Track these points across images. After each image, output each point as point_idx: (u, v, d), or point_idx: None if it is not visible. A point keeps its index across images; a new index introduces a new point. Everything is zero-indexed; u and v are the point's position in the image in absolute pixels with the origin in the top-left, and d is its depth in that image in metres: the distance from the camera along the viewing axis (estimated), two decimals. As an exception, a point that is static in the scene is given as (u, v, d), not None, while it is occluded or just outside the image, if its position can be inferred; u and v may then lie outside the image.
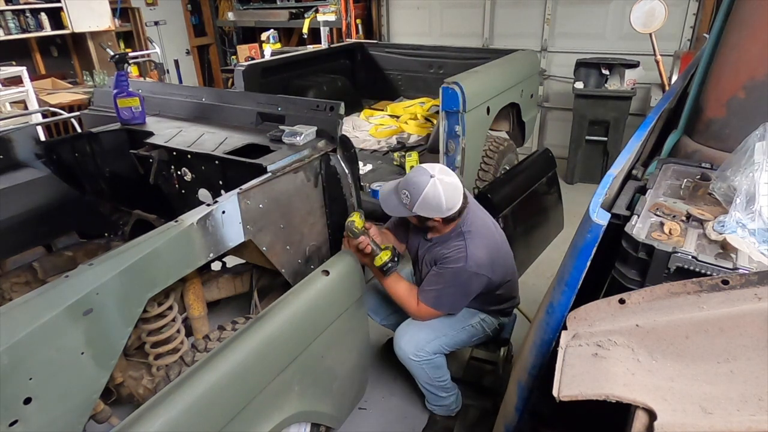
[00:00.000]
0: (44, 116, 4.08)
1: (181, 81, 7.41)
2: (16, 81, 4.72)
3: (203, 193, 1.93)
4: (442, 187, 1.80)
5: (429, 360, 2.07)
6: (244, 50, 6.92)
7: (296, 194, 1.79)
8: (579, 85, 4.58)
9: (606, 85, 4.53)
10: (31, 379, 1.05)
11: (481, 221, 2.02)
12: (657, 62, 3.68)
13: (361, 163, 3.18)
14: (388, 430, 2.36)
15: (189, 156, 1.89)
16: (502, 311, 2.24)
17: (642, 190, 1.60)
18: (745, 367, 0.93)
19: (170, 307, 1.66)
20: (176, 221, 1.37)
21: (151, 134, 2.09)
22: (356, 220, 1.89)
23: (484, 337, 2.24)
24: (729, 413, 0.86)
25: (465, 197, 1.90)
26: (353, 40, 5.29)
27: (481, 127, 3.38)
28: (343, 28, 5.92)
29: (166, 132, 2.09)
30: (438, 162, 3.23)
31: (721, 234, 1.30)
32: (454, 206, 1.85)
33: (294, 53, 4.49)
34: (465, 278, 1.90)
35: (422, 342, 2.05)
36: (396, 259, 1.96)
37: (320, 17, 6.04)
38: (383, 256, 1.92)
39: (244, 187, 1.57)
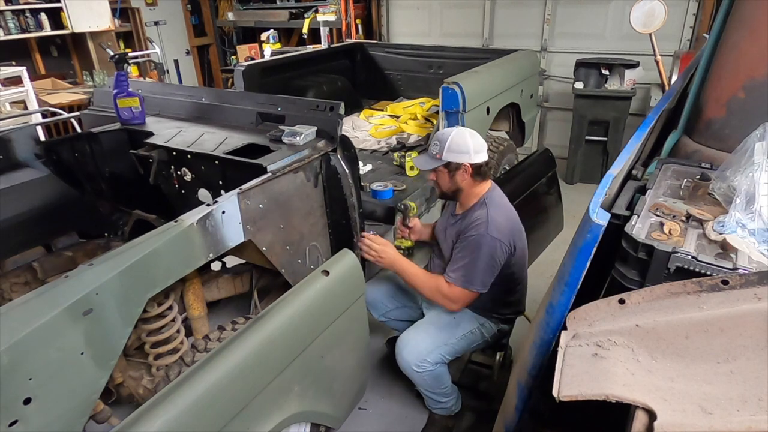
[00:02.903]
0: (44, 116, 4.08)
1: (181, 81, 7.41)
2: (16, 81, 4.72)
3: (203, 193, 1.93)
4: (467, 133, 1.93)
5: (431, 370, 2.07)
6: (244, 50, 6.92)
7: (296, 194, 1.79)
8: (579, 85, 4.58)
9: (606, 85, 4.54)
10: (31, 379, 1.05)
11: (504, 200, 2.08)
12: (657, 62, 3.68)
13: (361, 163, 3.18)
14: (388, 431, 2.36)
15: (189, 156, 1.89)
16: (505, 318, 2.24)
17: (642, 190, 1.60)
18: (745, 367, 0.93)
19: (170, 307, 1.66)
20: (176, 221, 1.37)
21: (151, 134, 2.09)
22: (413, 205, 2.12)
23: (483, 343, 2.24)
24: (729, 413, 0.86)
25: (490, 157, 1.98)
26: (353, 40, 5.29)
27: (481, 127, 3.37)
28: (343, 28, 5.92)
29: (166, 132, 2.09)
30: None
31: (720, 234, 1.30)
32: (481, 151, 1.93)
33: (294, 53, 4.49)
34: (488, 246, 1.89)
35: (424, 353, 2.05)
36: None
37: (320, 17, 6.04)
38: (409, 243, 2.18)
39: (244, 187, 1.56)
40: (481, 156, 1.94)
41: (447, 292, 1.98)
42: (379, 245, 2.02)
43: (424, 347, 2.05)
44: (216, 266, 2.21)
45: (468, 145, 1.91)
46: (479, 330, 2.16)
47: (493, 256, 1.92)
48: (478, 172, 1.97)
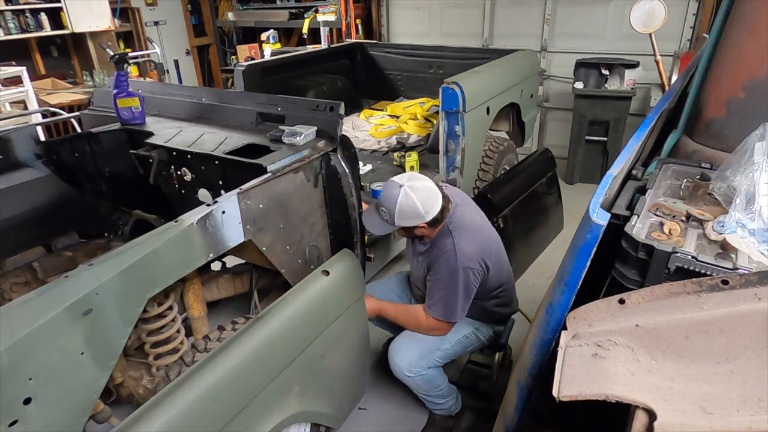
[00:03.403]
0: (44, 116, 4.08)
1: (180, 81, 7.41)
2: (16, 81, 4.72)
3: (203, 193, 1.92)
4: (414, 194, 1.83)
5: (423, 375, 2.07)
6: (243, 50, 6.92)
7: (296, 194, 1.79)
8: (579, 85, 4.58)
9: (606, 85, 4.54)
10: (31, 379, 1.05)
11: (469, 217, 2.03)
12: (657, 62, 3.68)
13: (361, 163, 3.18)
14: (388, 431, 2.36)
15: (189, 156, 1.89)
16: (498, 319, 2.24)
17: (642, 190, 1.60)
18: (745, 367, 0.93)
19: (170, 307, 1.66)
20: (176, 221, 1.37)
21: (151, 134, 2.09)
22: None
23: (480, 345, 2.24)
24: (729, 413, 0.86)
25: (445, 197, 1.93)
26: (353, 40, 5.29)
27: (481, 127, 3.38)
28: (343, 28, 5.92)
29: (166, 132, 2.09)
30: (438, 162, 3.23)
31: (720, 234, 1.30)
32: (433, 208, 1.86)
33: (294, 53, 4.49)
34: (461, 276, 1.90)
35: (415, 358, 2.05)
36: None
37: (320, 17, 6.04)
38: None
39: (244, 187, 1.56)
40: (434, 210, 1.86)
41: (431, 325, 2.02)
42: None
43: (416, 352, 2.05)
44: (216, 266, 2.21)
45: (417, 209, 1.83)
46: (474, 334, 2.16)
47: (468, 284, 1.93)
48: (436, 221, 1.91)
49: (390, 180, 1.93)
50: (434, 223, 1.91)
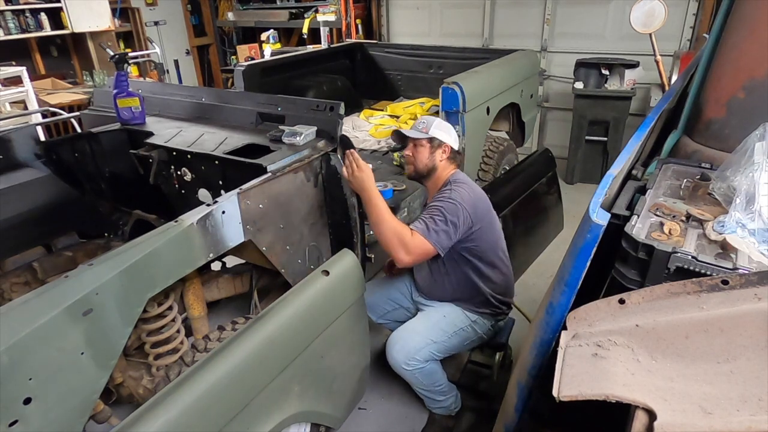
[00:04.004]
0: (44, 116, 4.08)
1: (181, 81, 7.41)
2: (16, 81, 4.72)
3: (203, 193, 1.93)
4: (447, 124, 2.16)
5: (421, 368, 2.06)
6: (244, 50, 6.92)
7: (296, 194, 1.79)
8: (579, 85, 4.58)
9: (606, 85, 4.54)
10: (31, 379, 1.05)
11: (469, 180, 2.15)
12: (657, 62, 3.68)
13: (361, 163, 3.18)
14: (388, 431, 2.36)
15: (189, 156, 1.89)
16: (495, 312, 2.23)
17: (642, 190, 1.60)
18: (745, 367, 0.93)
19: (170, 307, 1.66)
20: (176, 221, 1.37)
21: (151, 134, 2.09)
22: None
23: (478, 340, 2.23)
24: (729, 413, 0.86)
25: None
26: (353, 40, 5.29)
27: (481, 127, 3.38)
28: (343, 28, 5.92)
29: (166, 132, 2.09)
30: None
31: (720, 234, 1.30)
32: (456, 142, 2.14)
33: (294, 53, 4.49)
34: (449, 207, 1.95)
35: (413, 350, 2.04)
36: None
37: (320, 17, 6.04)
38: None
39: (244, 187, 1.56)
40: (456, 144, 2.14)
41: (407, 240, 1.87)
42: (360, 166, 1.85)
43: (413, 345, 2.05)
44: (216, 266, 2.22)
45: (451, 130, 2.14)
46: (471, 327, 2.16)
47: (455, 217, 1.93)
48: (455, 156, 2.14)
49: None
50: (453, 156, 2.14)
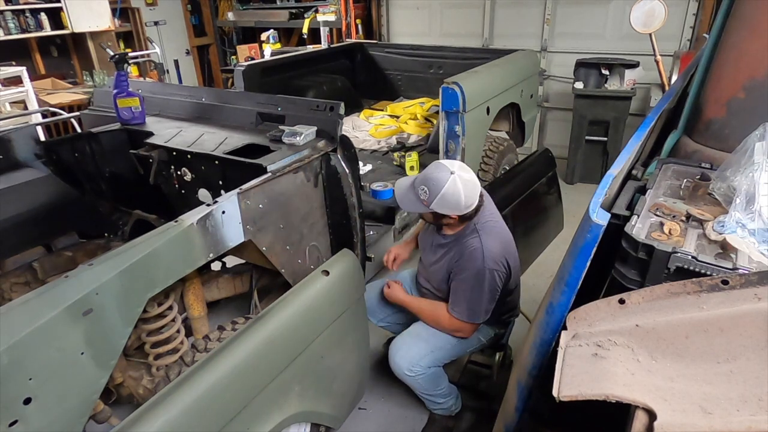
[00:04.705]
0: (44, 116, 4.08)
1: (181, 81, 7.40)
2: (16, 81, 4.72)
3: (203, 193, 1.92)
4: (461, 184, 1.79)
5: (423, 374, 2.06)
6: (244, 50, 6.92)
7: (296, 194, 1.79)
8: (579, 85, 4.58)
9: (606, 85, 4.54)
10: (31, 379, 1.05)
11: (495, 216, 2.02)
12: (657, 62, 3.68)
13: (361, 163, 3.18)
14: (388, 431, 2.36)
15: (189, 156, 1.89)
16: (502, 321, 2.23)
17: (642, 190, 1.60)
18: (745, 367, 0.93)
19: (170, 307, 1.66)
20: (176, 221, 1.37)
21: (151, 134, 2.09)
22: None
23: (480, 346, 2.23)
24: (729, 413, 0.86)
25: (481, 195, 1.91)
26: (353, 40, 5.29)
27: (481, 127, 3.38)
28: (343, 28, 5.92)
29: (166, 132, 2.09)
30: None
31: (720, 234, 1.30)
32: (472, 204, 1.85)
33: (294, 53, 4.49)
34: (488, 279, 1.87)
35: (416, 357, 2.04)
36: None
37: (320, 17, 6.04)
38: None
39: (244, 187, 1.56)
40: (472, 207, 1.86)
41: (454, 326, 1.99)
42: (389, 287, 2.18)
43: (416, 352, 2.05)
44: (216, 266, 2.21)
45: (459, 200, 1.80)
46: (475, 336, 2.15)
47: (493, 286, 1.91)
48: (467, 218, 1.91)
49: (439, 163, 1.87)
50: (465, 218, 1.91)
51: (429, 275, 2.16)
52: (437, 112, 3.27)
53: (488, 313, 1.96)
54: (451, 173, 1.79)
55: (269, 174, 1.66)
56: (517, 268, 2.07)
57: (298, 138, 1.83)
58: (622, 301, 1.09)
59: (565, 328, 1.14)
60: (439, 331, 2.08)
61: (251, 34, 7.47)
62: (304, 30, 6.18)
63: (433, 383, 2.12)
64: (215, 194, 1.82)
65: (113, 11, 6.02)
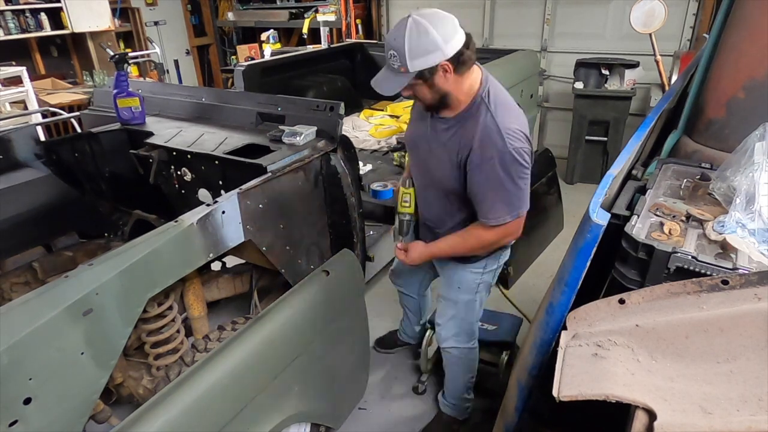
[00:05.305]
0: (44, 116, 4.08)
1: (180, 81, 7.41)
2: (16, 81, 4.72)
3: (203, 193, 1.92)
4: (426, 19, 1.44)
5: (470, 349, 2.07)
6: (244, 50, 6.92)
7: (296, 194, 1.79)
8: (579, 85, 4.58)
9: (606, 85, 4.54)
10: (31, 379, 1.05)
11: (500, 87, 1.65)
12: (657, 62, 3.68)
13: (361, 163, 3.18)
14: (388, 430, 2.36)
15: (189, 156, 1.89)
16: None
17: (642, 190, 1.60)
18: (745, 367, 0.93)
19: (170, 307, 1.66)
20: (176, 221, 1.37)
21: (151, 134, 2.09)
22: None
23: (493, 282, 1.98)
24: (729, 413, 0.86)
25: (468, 37, 1.53)
26: (353, 40, 5.29)
27: (481, 127, 3.37)
28: (343, 28, 5.92)
29: (166, 132, 2.09)
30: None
31: (721, 234, 1.30)
32: (454, 37, 1.47)
33: (294, 53, 4.49)
34: (515, 161, 1.52)
35: (460, 334, 2.02)
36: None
37: (320, 17, 6.04)
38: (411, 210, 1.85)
39: (244, 187, 1.56)
40: (456, 40, 1.48)
41: (503, 234, 1.64)
42: (407, 250, 1.84)
43: (455, 331, 2.03)
44: (216, 266, 2.21)
45: (433, 38, 1.43)
46: (482, 278, 1.90)
47: (523, 166, 1.55)
48: (461, 62, 1.50)
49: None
50: (460, 64, 1.50)
51: (430, 181, 1.77)
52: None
53: (526, 203, 1.63)
54: (408, 17, 1.47)
55: (269, 174, 1.66)
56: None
57: (298, 138, 1.83)
58: (622, 301, 1.09)
59: (565, 328, 1.14)
60: (462, 302, 1.94)
61: (251, 34, 7.47)
62: (304, 30, 6.18)
63: (469, 367, 2.14)
64: (215, 194, 1.82)
65: (113, 11, 6.02)
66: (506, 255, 1.95)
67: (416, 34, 1.44)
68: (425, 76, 1.50)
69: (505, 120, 1.52)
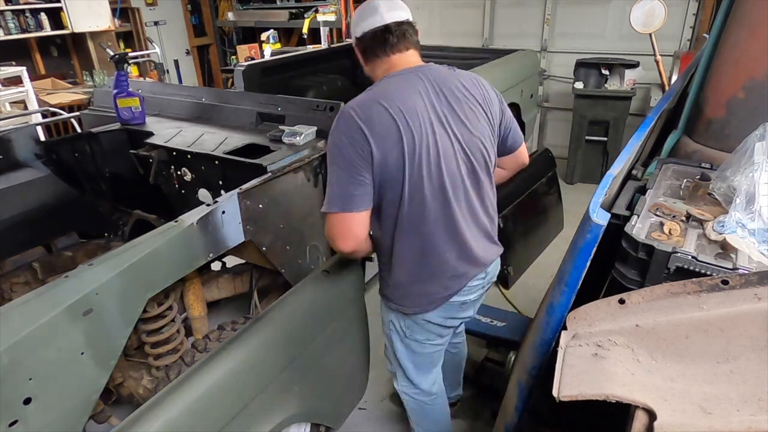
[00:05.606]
0: (44, 116, 4.08)
1: (180, 81, 7.41)
2: (16, 81, 4.72)
3: (203, 193, 1.92)
4: (362, 5, 1.46)
5: (409, 397, 1.82)
6: (244, 50, 6.92)
7: (296, 194, 1.79)
8: (579, 85, 4.58)
9: (606, 85, 4.54)
10: (31, 379, 1.05)
11: (399, 79, 1.41)
12: (657, 62, 3.68)
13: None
14: (388, 430, 2.36)
15: (189, 156, 1.89)
16: (399, 306, 1.58)
17: (642, 190, 1.60)
18: (745, 367, 0.93)
19: (170, 307, 1.66)
20: (176, 221, 1.37)
21: (151, 134, 2.09)
22: None
23: (420, 337, 1.64)
24: (729, 413, 0.86)
25: (389, 30, 1.42)
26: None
27: (481, 127, 3.37)
28: (343, 28, 5.92)
29: (166, 132, 2.09)
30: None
31: (720, 234, 1.30)
32: (359, 21, 1.43)
33: (294, 53, 4.49)
34: (333, 147, 1.34)
35: (394, 364, 1.79)
36: None
37: (320, 17, 6.04)
38: None
39: (244, 187, 1.56)
40: (360, 24, 1.42)
41: (328, 230, 1.42)
42: None
43: (390, 364, 1.85)
44: (216, 266, 2.21)
45: (354, 20, 1.45)
46: (391, 322, 1.66)
47: (343, 158, 1.32)
48: (365, 47, 1.45)
49: None
50: (364, 49, 1.46)
51: None
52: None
53: (348, 200, 1.34)
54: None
55: (269, 174, 1.66)
56: (393, 152, 1.32)
57: (298, 138, 1.83)
58: (622, 301, 1.09)
59: (565, 328, 1.14)
60: (381, 312, 1.69)
61: (251, 34, 7.48)
62: (304, 30, 6.18)
63: (416, 420, 1.89)
64: (215, 194, 1.82)
65: (113, 11, 6.02)
66: (409, 320, 1.60)
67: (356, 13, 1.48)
68: (357, 48, 1.50)
69: (353, 101, 1.37)
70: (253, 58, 5.90)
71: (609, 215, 1.14)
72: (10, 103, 4.60)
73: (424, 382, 1.78)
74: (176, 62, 7.40)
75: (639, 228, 1.35)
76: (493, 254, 1.59)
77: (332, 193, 1.36)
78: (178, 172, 1.97)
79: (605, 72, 4.53)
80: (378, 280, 1.65)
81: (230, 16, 7.45)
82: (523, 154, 1.72)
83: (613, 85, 4.51)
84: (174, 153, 1.94)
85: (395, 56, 1.47)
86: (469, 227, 1.48)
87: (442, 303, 1.54)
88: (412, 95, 1.38)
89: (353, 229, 1.39)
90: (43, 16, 5.46)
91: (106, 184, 2.31)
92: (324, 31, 5.86)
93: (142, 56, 6.20)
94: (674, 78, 4.12)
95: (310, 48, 5.22)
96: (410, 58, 1.50)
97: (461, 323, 1.85)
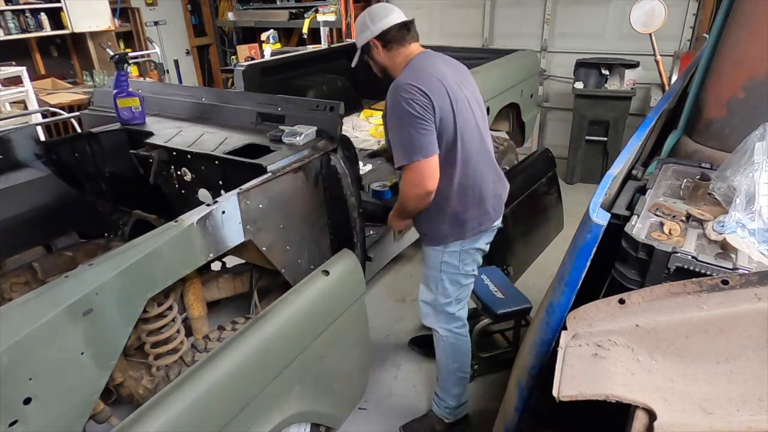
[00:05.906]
0: (44, 116, 4.08)
1: (180, 81, 7.41)
2: (16, 81, 4.72)
3: (203, 193, 1.92)
4: (369, 9, 1.82)
5: (446, 336, 2.05)
6: (244, 50, 6.92)
7: (296, 194, 1.79)
8: (579, 85, 4.58)
9: (606, 85, 4.54)
10: (31, 379, 1.05)
11: (432, 59, 1.83)
12: (657, 62, 3.68)
13: (361, 163, 3.18)
14: (388, 430, 2.36)
15: (189, 156, 1.89)
16: (463, 227, 1.89)
17: (642, 190, 1.60)
18: (745, 367, 0.93)
19: (170, 307, 1.66)
20: (176, 221, 1.37)
21: (151, 134, 2.09)
22: None
23: (464, 270, 1.97)
24: (729, 413, 0.86)
25: (404, 22, 1.80)
26: (353, 40, 5.29)
27: (481, 127, 3.37)
28: (343, 28, 5.92)
29: (166, 132, 2.09)
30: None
31: (721, 234, 1.30)
32: (380, 19, 1.77)
33: (294, 53, 4.49)
34: (402, 100, 1.67)
35: (431, 320, 2.05)
36: None
37: (320, 17, 6.04)
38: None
39: (244, 187, 1.56)
40: (381, 21, 1.76)
41: (409, 182, 1.73)
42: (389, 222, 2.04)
43: (425, 313, 2.08)
44: (216, 266, 2.21)
45: (364, 21, 1.79)
46: (442, 256, 1.93)
47: (413, 116, 1.65)
48: (387, 40, 1.79)
49: None
50: (385, 41, 1.79)
51: None
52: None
53: (428, 147, 1.67)
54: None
55: (269, 174, 1.66)
56: (462, 132, 1.75)
57: (298, 138, 1.83)
58: (622, 301, 1.09)
59: (565, 328, 1.14)
60: (426, 279, 2.02)
61: (251, 34, 7.47)
62: (304, 30, 6.18)
63: (455, 356, 2.11)
64: (215, 194, 1.82)
65: (113, 11, 6.02)
66: (470, 242, 1.91)
67: (358, 20, 1.85)
68: (366, 50, 1.86)
69: (403, 78, 1.74)
70: (253, 58, 5.90)
71: (609, 215, 1.14)
72: (10, 103, 4.60)
73: (463, 311, 2.11)
74: (176, 62, 7.40)
75: (639, 228, 1.35)
76: (507, 183, 2.04)
77: (410, 146, 1.68)
78: (178, 172, 1.97)
79: (605, 72, 4.53)
80: (422, 238, 2.00)
81: (230, 16, 7.45)
82: None
83: (613, 85, 4.52)
84: (174, 153, 1.94)
85: (413, 45, 1.85)
86: (492, 159, 1.92)
87: (491, 225, 1.94)
88: (438, 66, 1.81)
89: (435, 168, 1.71)
90: (43, 16, 5.46)
91: (106, 184, 2.31)
92: (324, 31, 5.86)
93: (142, 56, 6.20)
94: (674, 78, 4.12)
95: (310, 48, 5.22)
96: (419, 46, 1.88)
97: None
